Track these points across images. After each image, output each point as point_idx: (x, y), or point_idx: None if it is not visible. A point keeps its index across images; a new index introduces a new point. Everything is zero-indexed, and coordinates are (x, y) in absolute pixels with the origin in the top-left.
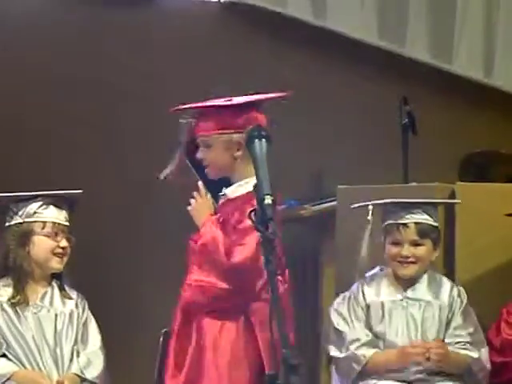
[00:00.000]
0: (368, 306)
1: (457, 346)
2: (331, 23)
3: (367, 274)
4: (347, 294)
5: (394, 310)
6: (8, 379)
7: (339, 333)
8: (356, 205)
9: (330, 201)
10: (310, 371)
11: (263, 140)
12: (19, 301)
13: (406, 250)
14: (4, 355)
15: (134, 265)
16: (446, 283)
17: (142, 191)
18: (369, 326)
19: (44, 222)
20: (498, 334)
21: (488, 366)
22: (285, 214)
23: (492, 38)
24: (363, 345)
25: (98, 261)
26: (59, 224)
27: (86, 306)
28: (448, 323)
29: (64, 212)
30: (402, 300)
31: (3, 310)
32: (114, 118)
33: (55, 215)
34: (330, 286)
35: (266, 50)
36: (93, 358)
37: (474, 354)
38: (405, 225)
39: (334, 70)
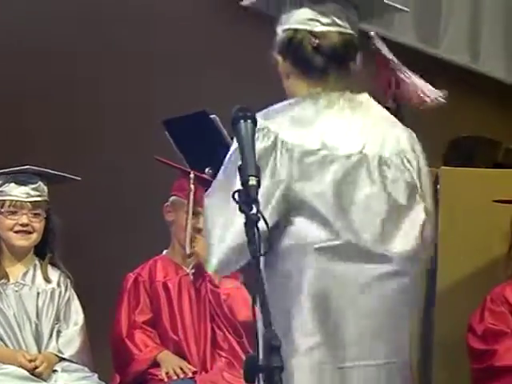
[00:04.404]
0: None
1: None
2: None
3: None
4: None
5: None
6: None
7: None
8: None
9: None
10: None
11: (248, 121)
12: None
13: None
14: None
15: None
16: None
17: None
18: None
19: (3, 201)
20: (480, 320)
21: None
22: None
23: (478, 22)
24: None
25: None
26: (17, 201)
27: (69, 285)
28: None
29: (26, 188)
30: None
31: None
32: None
33: (13, 192)
34: None
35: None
36: (72, 337)
37: None
38: None
39: None
